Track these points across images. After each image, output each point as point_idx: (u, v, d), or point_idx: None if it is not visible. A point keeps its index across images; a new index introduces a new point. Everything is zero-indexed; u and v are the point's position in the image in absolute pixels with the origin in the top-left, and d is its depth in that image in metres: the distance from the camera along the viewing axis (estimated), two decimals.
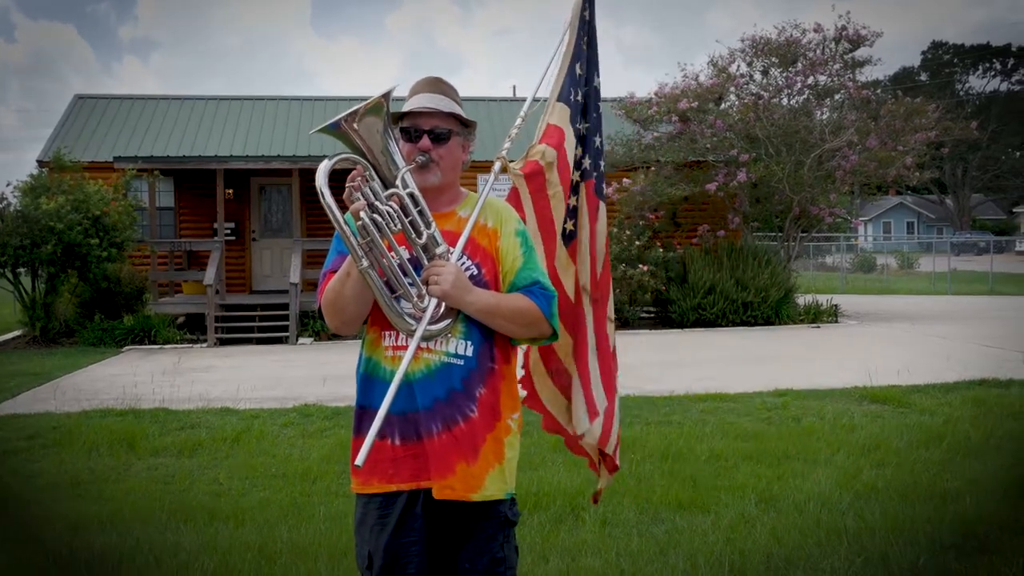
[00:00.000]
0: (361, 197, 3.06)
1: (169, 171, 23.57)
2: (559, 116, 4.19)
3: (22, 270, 20.27)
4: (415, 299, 3.17)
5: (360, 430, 3.35)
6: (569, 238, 4.29)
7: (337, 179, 2.94)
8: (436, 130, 3.38)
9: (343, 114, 3.05)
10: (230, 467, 8.81)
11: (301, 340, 20.16)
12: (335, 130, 3.08)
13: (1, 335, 21.24)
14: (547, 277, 3.49)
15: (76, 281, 20.57)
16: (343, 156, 3.09)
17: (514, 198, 4.06)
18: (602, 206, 4.40)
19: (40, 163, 23.36)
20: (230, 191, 23.81)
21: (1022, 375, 13.12)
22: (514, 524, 3.50)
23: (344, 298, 3.27)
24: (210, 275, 20.46)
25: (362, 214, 3.05)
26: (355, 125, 3.05)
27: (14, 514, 7.63)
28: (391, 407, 3.06)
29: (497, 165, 3.79)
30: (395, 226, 3.10)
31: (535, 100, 4.13)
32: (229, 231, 23.96)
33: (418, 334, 3.13)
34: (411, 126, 3.38)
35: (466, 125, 3.49)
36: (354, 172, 3.09)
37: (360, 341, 3.47)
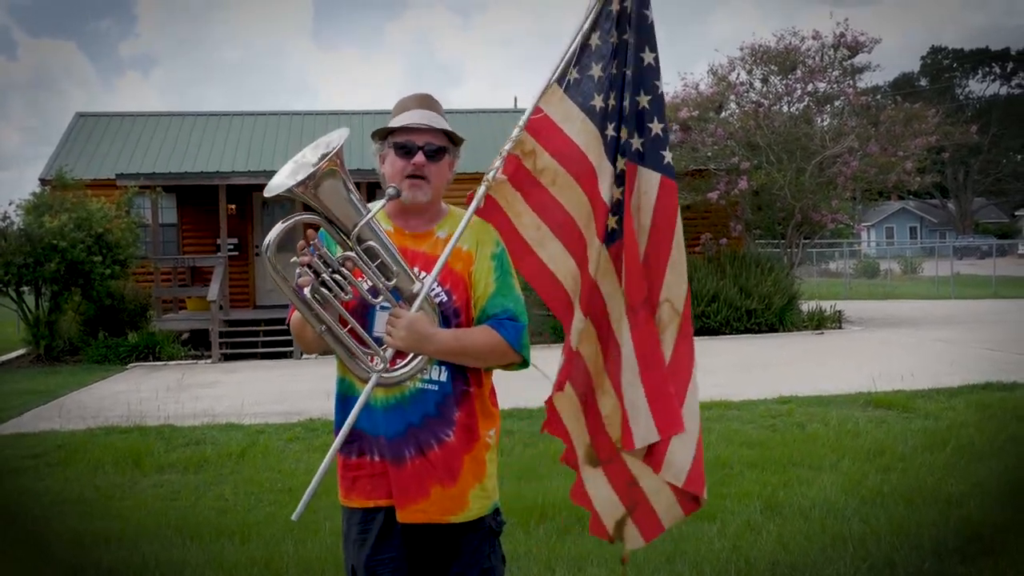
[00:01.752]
0: (308, 270, 3.06)
1: (171, 187, 23.57)
2: (549, 98, 3.78)
3: (25, 288, 20.31)
4: (371, 362, 3.19)
5: (346, 450, 3.37)
6: (612, 238, 3.75)
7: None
8: (430, 147, 3.37)
9: (292, 182, 3.01)
10: (236, 483, 8.82)
11: (305, 355, 20.10)
12: (287, 194, 3.06)
13: (5, 354, 21.24)
14: (520, 303, 3.42)
15: (80, 299, 20.59)
16: (295, 220, 3.09)
17: (491, 211, 3.66)
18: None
19: (42, 181, 23.42)
20: (232, 207, 23.82)
21: None
22: (499, 534, 3.54)
23: (304, 334, 3.34)
24: (214, 291, 20.47)
25: (306, 291, 3.07)
26: (309, 186, 3.02)
27: (21, 532, 7.63)
28: (371, 430, 3.23)
29: (481, 189, 3.56)
30: (346, 295, 3.10)
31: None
32: (232, 247, 23.97)
33: (368, 388, 3.16)
34: (405, 141, 3.36)
35: (455, 144, 3.48)
36: (300, 243, 3.07)
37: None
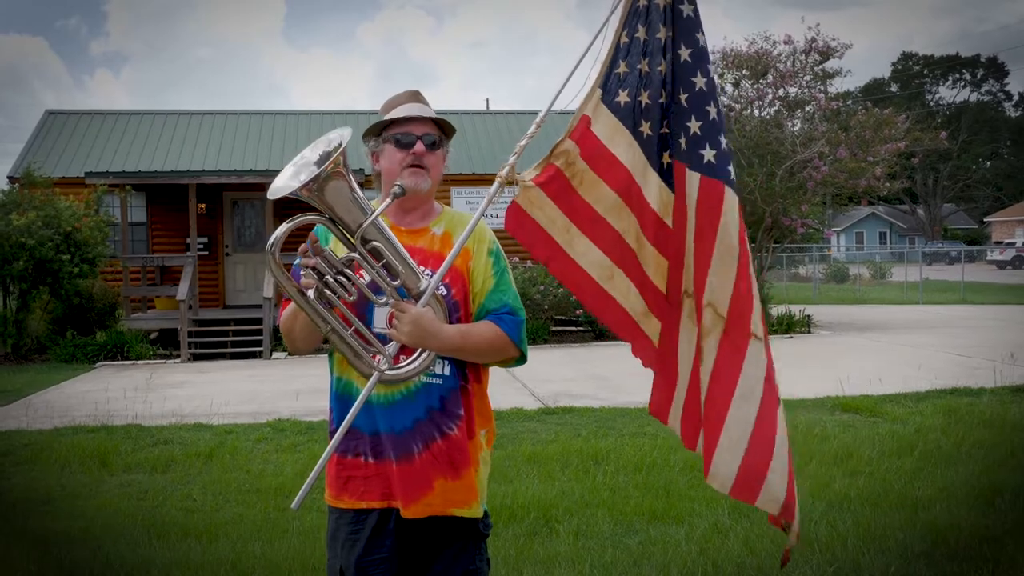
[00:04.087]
0: (312, 272, 3.06)
1: (141, 186, 23.52)
2: (592, 103, 3.69)
3: None
4: (378, 360, 3.18)
5: (341, 449, 3.36)
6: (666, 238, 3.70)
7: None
8: (428, 137, 3.40)
9: (298, 184, 2.98)
10: (203, 483, 8.78)
11: (275, 355, 20.06)
12: (292, 196, 3.03)
13: None
14: (518, 299, 3.47)
15: (48, 297, 20.46)
16: (300, 221, 3.07)
17: (512, 216, 3.60)
18: (729, 195, 3.63)
19: (11, 179, 23.28)
20: (203, 206, 23.70)
21: (992, 383, 13.21)
22: (486, 536, 3.53)
23: (295, 332, 3.37)
24: (183, 290, 20.37)
25: (310, 293, 3.07)
26: (313, 188, 3.01)
27: None
28: (369, 428, 3.23)
29: (495, 185, 3.48)
30: (350, 295, 3.10)
31: (551, 112, 3.63)
32: (202, 246, 23.89)
33: (369, 385, 3.16)
34: (404, 133, 3.39)
35: (448, 136, 3.51)
36: (303, 246, 3.06)
37: (327, 355, 3.49)
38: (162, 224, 24.86)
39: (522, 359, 3.47)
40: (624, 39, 3.74)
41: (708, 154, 3.64)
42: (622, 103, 3.69)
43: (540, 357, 18.10)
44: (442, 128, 3.48)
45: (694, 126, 3.66)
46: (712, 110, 3.68)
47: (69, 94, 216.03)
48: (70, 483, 8.86)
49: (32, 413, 12.79)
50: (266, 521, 7.35)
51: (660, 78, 3.70)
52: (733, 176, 3.67)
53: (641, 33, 3.71)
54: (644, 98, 3.69)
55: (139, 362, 19.52)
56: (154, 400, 13.77)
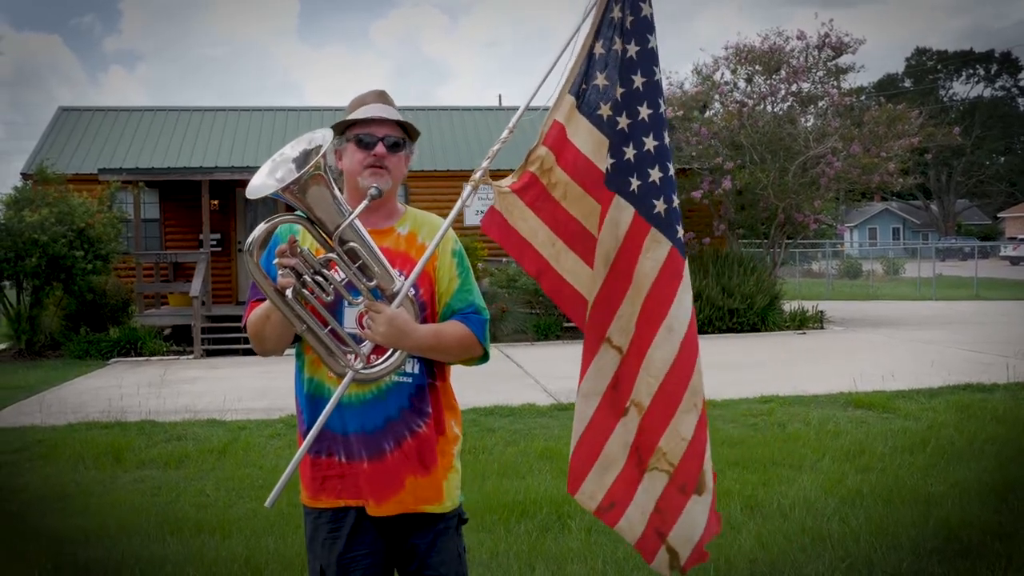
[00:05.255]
0: (290, 271, 3.08)
1: (154, 183, 23.55)
2: (564, 110, 3.72)
3: (7, 283, 20.24)
4: (352, 359, 3.21)
5: (314, 450, 3.41)
6: None
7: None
8: (389, 139, 3.42)
9: (276, 184, 3.00)
10: (217, 479, 8.80)
11: (287, 351, 19.93)
12: (272, 196, 3.06)
13: None
14: (482, 298, 3.53)
15: (61, 294, 20.51)
16: (277, 221, 3.12)
17: (494, 222, 3.67)
18: (653, 240, 3.66)
19: (24, 175, 23.31)
20: (215, 202, 23.74)
21: (1005, 380, 13.18)
22: (465, 522, 3.59)
23: (265, 332, 3.40)
24: (196, 286, 20.42)
25: (288, 292, 3.10)
26: (295, 190, 3.02)
27: None
28: (340, 429, 3.31)
29: (467, 189, 3.53)
30: (327, 296, 3.13)
31: (529, 109, 3.70)
32: (215, 242, 23.94)
33: (343, 385, 3.20)
34: (366, 134, 3.41)
35: (411, 139, 3.54)
36: (281, 246, 3.09)
37: (294, 355, 3.55)
38: (175, 220, 24.90)
39: (485, 357, 3.51)
40: (600, 50, 3.73)
41: (634, 183, 3.69)
42: (604, 117, 3.70)
43: (552, 353, 18.14)
44: (406, 130, 3.50)
45: (629, 152, 3.69)
46: (622, 120, 3.68)
47: (83, 91, 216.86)
48: (84, 479, 8.89)
49: (46, 409, 12.83)
50: (279, 517, 7.36)
51: (640, 93, 3.71)
52: (641, 187, 3.68)
53: (618, 45, 3.71)
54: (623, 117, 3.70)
55: (152, 358, 19.58)
56: (167, 396, 13.82)
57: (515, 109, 3.70)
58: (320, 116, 28.19)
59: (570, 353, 18.64)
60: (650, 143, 3.68)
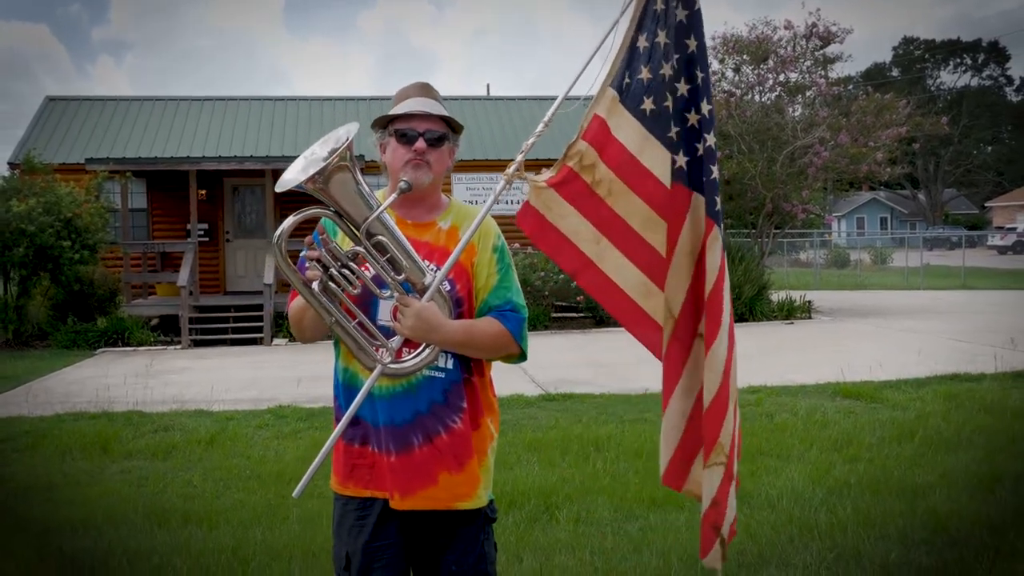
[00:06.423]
0: (317, 264, 3.06)
1: (141, 173, 23.48)
2: (606, 104, 3.65)
3: None
4: (380, 352, 3.19)
5: (348, 437, 3.38)
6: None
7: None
8: (431, 133, 3.38)
9: (303, 177, 2.99)
10: (204, 469, 8.78)
11: (276, 341, 20.08)
12: (298, 189, 3.03)
13: None
14: (521, 296, 3.48)
15: (48, 284, 20.46)
16: (306, 215, 3.08)
17: (528, 216, 3.60)
18: (696, 202, 3.61)
19: (11, 165, 23.27)
20: (203, 192, 23.67)
21: (993, 369, 13.22)
22: (494, 521, 3.54)
23: (303, 323, 3.39)
24: (184, 276, 20.37)
25: (314, 285, 3.08)
26: (319, 181, 3.00)
27: None
28: (372, 420, 3.27)
29: (500, 184, 3.49)
30: (354, 289, 3.10)
31: (568, 99, 3.56)
32: (202, 232, 23.88)
33: (372, 378, 3.17)
34: (407, 128, 3.37)
35: (455, 131, 3.49)
36: (308, 239, 3.09)
37: (332, 343, 3.48)
38: (163, 210, 24.85)
39: (523, 356, 3.46)
40: (644, 43, 3.68)
41: (681, 160, 3.61)
42: (648, 111, 3.65)
43: (541, 343, 18.11)
44: (449, 124, 3.45)
45: (672, 131, 3.64)
46: (692, 116, 3.62)
47: (71, 81, 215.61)
48: (71, 470, 8.86)
49: (33, 399, 12.80)
50: (267, 507, 7.35)
51: (701, 89, 3.64)
52: (706, 183, 3.61)
53: (661, 38, 3.65)
54: (670, 104, 3.63)
55: (140, 348, 19.52)
56: (155, 386, 13.78)
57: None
58: (308, 106, 28.16)
59: (558, 343, 18.68)
60: (710, 139, 3.63)
